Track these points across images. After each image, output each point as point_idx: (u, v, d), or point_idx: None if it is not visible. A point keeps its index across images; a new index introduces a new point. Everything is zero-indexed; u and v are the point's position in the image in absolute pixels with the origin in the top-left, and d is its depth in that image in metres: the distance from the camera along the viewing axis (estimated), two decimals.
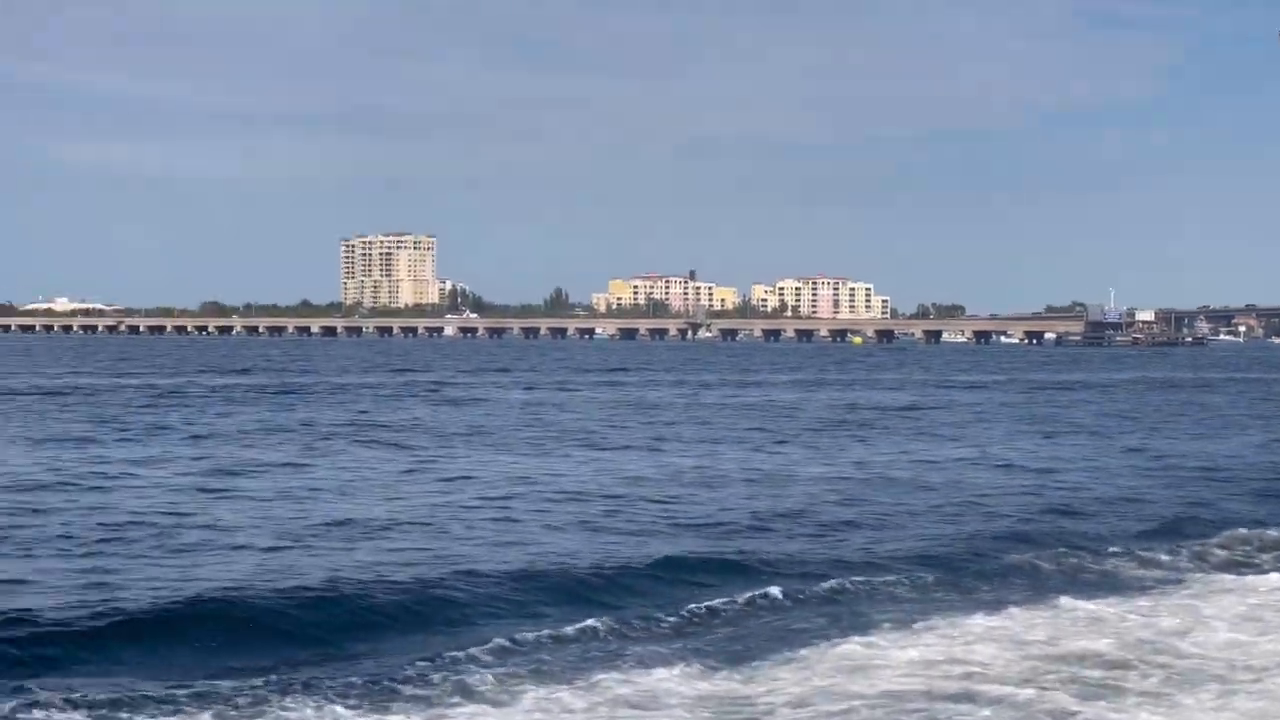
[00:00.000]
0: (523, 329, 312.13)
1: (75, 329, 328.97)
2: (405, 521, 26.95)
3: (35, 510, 27.48)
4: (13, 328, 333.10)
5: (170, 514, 27.26)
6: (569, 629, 18.65)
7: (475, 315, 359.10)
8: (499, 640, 17.82)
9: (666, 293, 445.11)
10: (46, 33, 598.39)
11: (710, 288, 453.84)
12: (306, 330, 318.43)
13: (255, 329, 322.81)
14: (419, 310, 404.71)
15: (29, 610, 18.34)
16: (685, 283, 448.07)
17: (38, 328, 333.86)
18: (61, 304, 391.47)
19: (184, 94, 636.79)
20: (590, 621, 18.96)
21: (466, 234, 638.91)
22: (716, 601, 20.27)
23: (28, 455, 38.52)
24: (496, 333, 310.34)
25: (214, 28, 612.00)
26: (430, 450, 42.08)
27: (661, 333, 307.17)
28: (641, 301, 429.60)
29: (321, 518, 27.21)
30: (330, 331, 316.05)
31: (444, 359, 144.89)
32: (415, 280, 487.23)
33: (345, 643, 18.12)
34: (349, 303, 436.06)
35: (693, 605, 20.03)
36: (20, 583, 20.39)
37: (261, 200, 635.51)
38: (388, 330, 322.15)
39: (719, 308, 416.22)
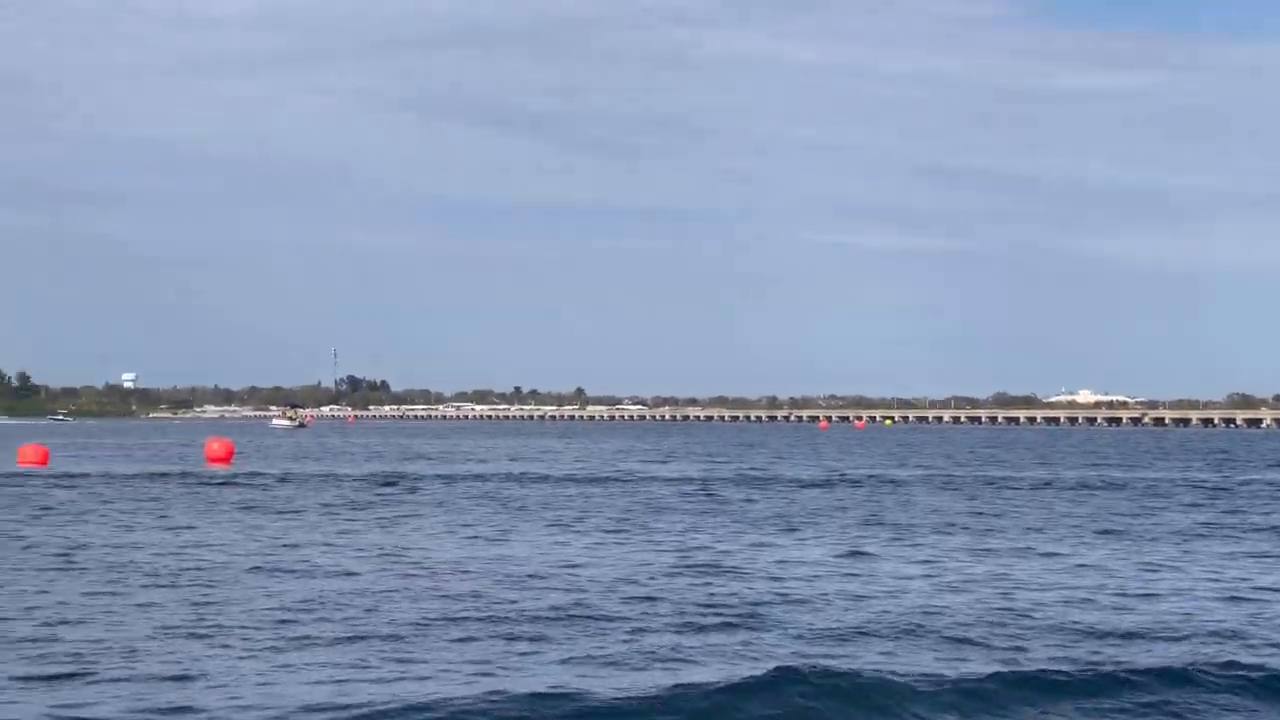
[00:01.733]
0: None
1: (1099, 421, 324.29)
2: None
3: None
4: (1038, 419, 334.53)
5: None
6: None
7: None
8: None
9: None
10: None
11: None
12: None
13: None
14: None
15: None
16: None
17: (1062, 420, 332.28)
18: (1084, 396, 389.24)
19: (1217, 185, 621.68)
20: None
21: None
22: None
23: None
24: None
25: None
26: None
27: None
28: None
29: None
30: None
31: None
32: None
33: None
34: None
35: None
36: None
37: None
38: None
39: None
